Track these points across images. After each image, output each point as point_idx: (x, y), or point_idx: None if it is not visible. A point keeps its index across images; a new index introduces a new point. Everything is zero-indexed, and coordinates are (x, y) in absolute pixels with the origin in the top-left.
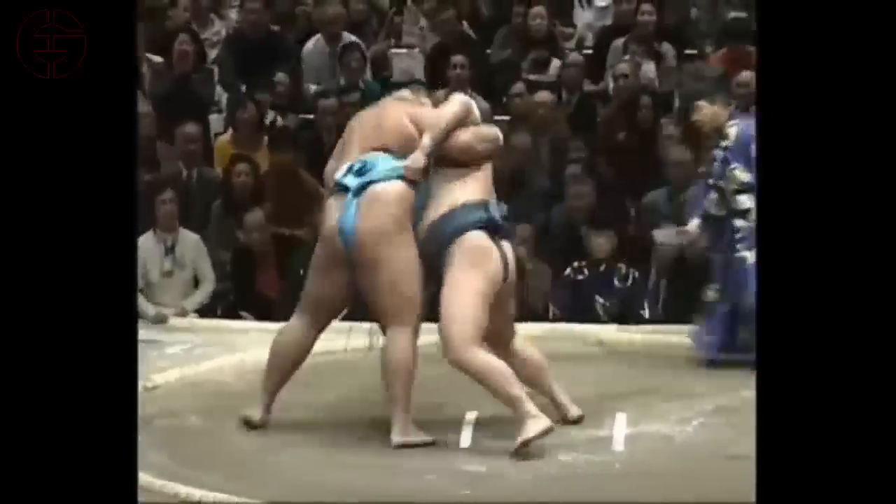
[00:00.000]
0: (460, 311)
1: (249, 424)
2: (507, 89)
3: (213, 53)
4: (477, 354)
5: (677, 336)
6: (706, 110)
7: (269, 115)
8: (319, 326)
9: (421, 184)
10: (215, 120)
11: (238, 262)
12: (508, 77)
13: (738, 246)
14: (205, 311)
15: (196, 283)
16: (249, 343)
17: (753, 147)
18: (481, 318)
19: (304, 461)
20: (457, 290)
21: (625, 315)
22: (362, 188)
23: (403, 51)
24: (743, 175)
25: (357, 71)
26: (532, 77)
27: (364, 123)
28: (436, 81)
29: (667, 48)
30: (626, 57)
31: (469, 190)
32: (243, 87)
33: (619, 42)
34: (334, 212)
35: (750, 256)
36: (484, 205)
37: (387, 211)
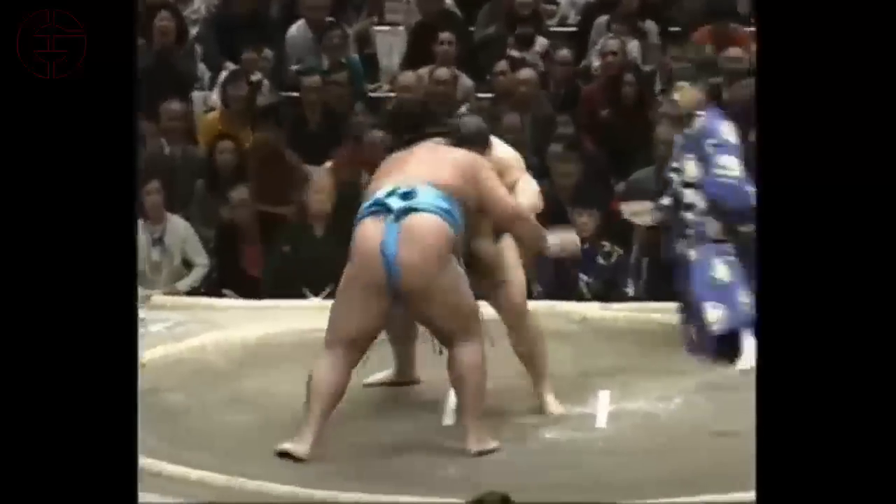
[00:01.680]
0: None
1: (292, 457)
2: (491, 67)
3: (193, 31)
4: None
5: (660, 314)
6: (687, 92)
7: (256, 76)
8: (354, 362)
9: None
10: (197, 97)
11: (222, 239)
12: (492, 54)
13: (683, 241)
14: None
15: (187, 266)
16: (232, 321)
17: (708, 143)
18: None
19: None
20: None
21: (608, 293)
22: (404, 213)
23: (386, 28)
24: (694, 169)
25: (339, 49)
26: (516, 54)
27: (421, 151)
28: (419, 59)
29: (650, 25)
30: (611, 34)
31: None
32: (231, 65)
33: (603, 19)
34: (373, 233)
35: (693, 253)
36: None
37: (427, 243)
